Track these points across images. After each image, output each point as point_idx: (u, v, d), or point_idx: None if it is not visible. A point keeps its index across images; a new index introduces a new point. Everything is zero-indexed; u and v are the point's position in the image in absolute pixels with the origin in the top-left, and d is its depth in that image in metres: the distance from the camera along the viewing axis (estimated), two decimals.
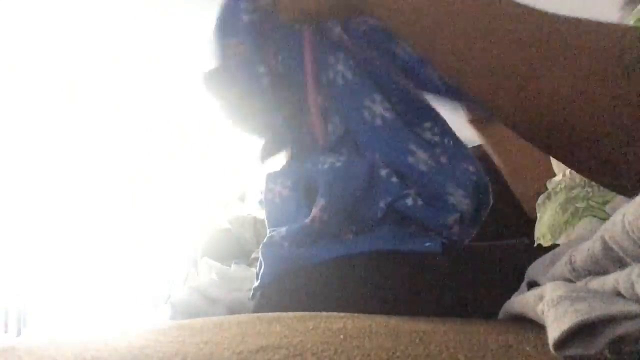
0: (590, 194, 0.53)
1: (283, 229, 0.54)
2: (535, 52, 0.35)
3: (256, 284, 0.55)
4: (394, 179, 0.52)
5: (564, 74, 0.33)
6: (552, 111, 0.34)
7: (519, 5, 0.37)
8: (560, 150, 0.37)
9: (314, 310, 0.36)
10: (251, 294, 0.56)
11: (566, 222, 0.54)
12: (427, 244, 0.50)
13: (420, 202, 0.50)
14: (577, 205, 0.54)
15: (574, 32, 0.35)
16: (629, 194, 0.34)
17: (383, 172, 0.52)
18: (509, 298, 0.34)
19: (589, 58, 0.33)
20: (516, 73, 0.35)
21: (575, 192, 0.56)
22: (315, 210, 0.52)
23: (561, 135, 0.35)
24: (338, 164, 0.52)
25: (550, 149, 0.38)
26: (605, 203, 0.51)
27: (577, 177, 0.56)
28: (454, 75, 0.40)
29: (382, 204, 0.51)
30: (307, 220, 0.52)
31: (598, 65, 0.32)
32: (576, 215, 0.53)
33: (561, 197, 0.58)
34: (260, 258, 0.56)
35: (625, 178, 0.34)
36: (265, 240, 0.55)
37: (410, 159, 0.51)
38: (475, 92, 0.39)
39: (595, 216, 0.51)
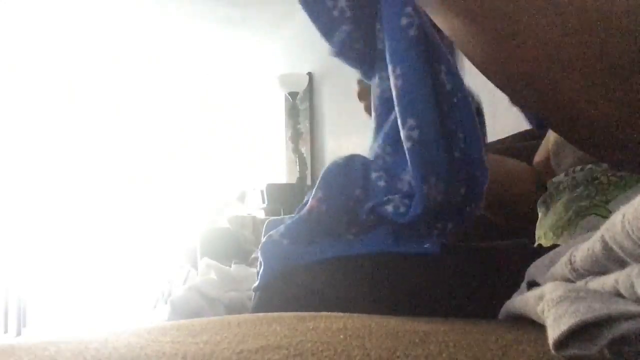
0: (594, 192, 0.53)
1: (282, 226, 0.54)
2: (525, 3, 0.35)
3: (256, 283, 0.55)
4: (382, 183, 0.51)
5: (551, 25, 0.33)
6: (535, 62, 0.34)
7: None
8: (537, 106, 0.36)
9: (313, 309, 0.36)
10: (253, 287, 0.56)
11: (569, 221, 0.55)
12: (426, 246, 0.50)
13: (402, 209, 0.49)
14: (581, 204, 0.54)
15: None
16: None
17: (373, 175, 0.52)
18: (509, 298, 0.34)
19: (577, 15, 0.32)
20: (503, 23, 0.35)
21: (578, 191, 0.56)
22: (312, 201, 0.51)
23: (541, 87, 0.34)
24: (339, 160, 0.53)
25: (531, 106, 0.38)
26: (608, 201, 0.51)
27: (580, 176, 0.57)
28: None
29: (366, 207, 0.51)
30: (305, 211, 0.52)
31: (585, 23, 0.32)
32: (579, 214, 0.53)
33: (564, 196, 0.58)
34: (260, 258, 0.56)
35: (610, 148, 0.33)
36: (264, 240, 0.55)
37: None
38: (460, 39, 0.39)
39: (598, 215, 0.51)
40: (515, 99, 0.38)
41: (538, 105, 0.36)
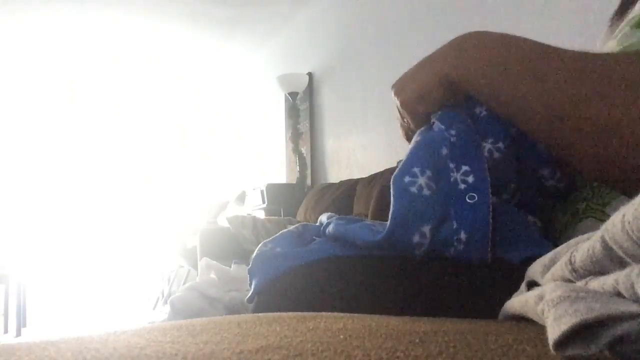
0: (590, 195, 0.53)
1: (268, 241, 0.57)
2: (585, 85, 0.40)
3: (250, 294, 0.55)
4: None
5: (613, 103, 0.38)
6: (604, 138, 0.39)
7: (559, 49, 0.45)
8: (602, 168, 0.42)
9: (311, 309, 0.36)
10: (247, 297, 0.56)
11: (566, 224, 0.54)
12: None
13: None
14: (577, 206, 0.54)
15: (612, 65, 0.40)
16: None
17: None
18: (509, 298, 0.34)
19: (630, 88, 0.37)
20: (569, 105, 0.41)
21: (574, 193, 0.56)
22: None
23: (606, 157, 0.40)
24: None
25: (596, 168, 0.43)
26: (605, 204, 0.50)
27: (578, 178, 0.56)
28: (519, 115, 0.47)
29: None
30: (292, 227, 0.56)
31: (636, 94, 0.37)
32: (576, 216, 0.53)
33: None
34: (250, 271, 0.56)
35: None
36: (254, 254, 0.56)
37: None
38: (531, 126, 0.46)
39: (595, 218, 0.50)
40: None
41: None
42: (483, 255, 0.47)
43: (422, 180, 0.49)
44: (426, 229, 0.48)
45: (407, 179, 0.49)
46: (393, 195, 0.49)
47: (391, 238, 0.48)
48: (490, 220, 0.48)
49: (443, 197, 0.49)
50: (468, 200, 0.49)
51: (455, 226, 0.48)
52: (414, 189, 0.49)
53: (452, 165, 0.51)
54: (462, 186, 0.50)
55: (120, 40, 4.51)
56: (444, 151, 0.52)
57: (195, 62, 5.09)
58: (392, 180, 0.50)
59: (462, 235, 0.48)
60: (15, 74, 4.99)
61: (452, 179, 0.50)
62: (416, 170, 0.50)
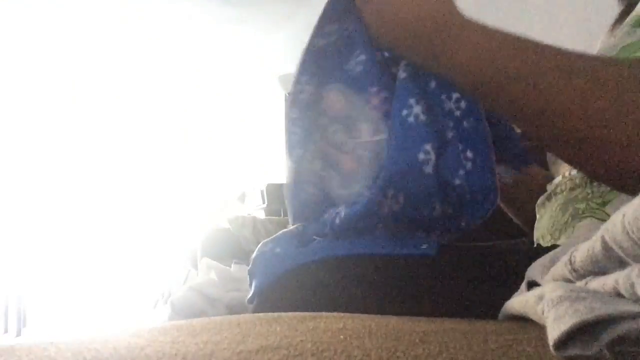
0: (590, 195, 0.53)
1: (269, 241, 0.57)
2: (597, 101, 0.38)
3: (250, 294, 0.55)
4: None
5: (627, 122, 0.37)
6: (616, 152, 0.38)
7: (570, 53, 0.42)
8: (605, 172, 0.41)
9: (311, 309, 0.36)
10: (247, 298, 0.56)
11: (566, 224, 0.54)
12: (424, 247, 0.50)
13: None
14: (577, 206, 0.54)
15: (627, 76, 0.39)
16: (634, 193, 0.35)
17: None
18: (509, 298, 0.34)
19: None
20: (575, 121, 0.39)
21: (575, 193, 0.56)
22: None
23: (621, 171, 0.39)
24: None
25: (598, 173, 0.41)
26: (605, 204, 0.50)
27: (578, 178, 0.56)
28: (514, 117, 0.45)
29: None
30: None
31: None
32: (576, 216, 0.53)
33: (561, 199, 0.58)
34: (250, 272, 0.56)
35: None
36: (254, 255, 0.56)
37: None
38: (533, 131, 0.44)
39: (595, 217, 0.51)
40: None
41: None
42: (490, 181, 0.48)
43: (417, 109, 0.50)
44: (428, 146, 0.48)
45: (404, 112, 0.50)
46: (393, 125, 0.49)
47: (395, 158, 0.48)
48: (491, 143, 0.49)
49: (442, 121, 0.50)
50: (466, 125, 0.50)
51: (460, 148, 0.49)
52: (411, 119, 0.49)
53: (443, 97, 0.51)
54: (458, 112, 0.51)
55: (120, 40, 4.51)
56: (433, 84, 0.52)
57: (195, 61, 5.09)
58: (391, 114, 0.50)
59: (469, 154, 0.49)
60: (16, 73, 4.99)
61: (447, 108, 0.51)
62: (412, 101, 0.50)
